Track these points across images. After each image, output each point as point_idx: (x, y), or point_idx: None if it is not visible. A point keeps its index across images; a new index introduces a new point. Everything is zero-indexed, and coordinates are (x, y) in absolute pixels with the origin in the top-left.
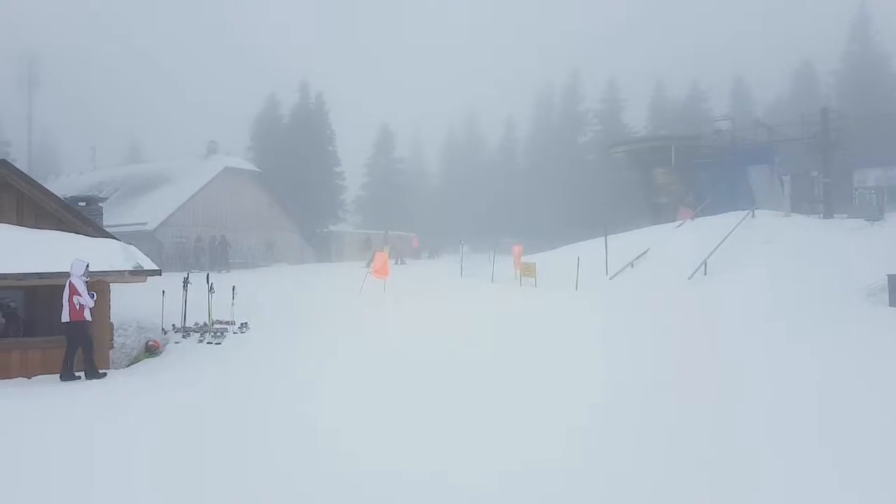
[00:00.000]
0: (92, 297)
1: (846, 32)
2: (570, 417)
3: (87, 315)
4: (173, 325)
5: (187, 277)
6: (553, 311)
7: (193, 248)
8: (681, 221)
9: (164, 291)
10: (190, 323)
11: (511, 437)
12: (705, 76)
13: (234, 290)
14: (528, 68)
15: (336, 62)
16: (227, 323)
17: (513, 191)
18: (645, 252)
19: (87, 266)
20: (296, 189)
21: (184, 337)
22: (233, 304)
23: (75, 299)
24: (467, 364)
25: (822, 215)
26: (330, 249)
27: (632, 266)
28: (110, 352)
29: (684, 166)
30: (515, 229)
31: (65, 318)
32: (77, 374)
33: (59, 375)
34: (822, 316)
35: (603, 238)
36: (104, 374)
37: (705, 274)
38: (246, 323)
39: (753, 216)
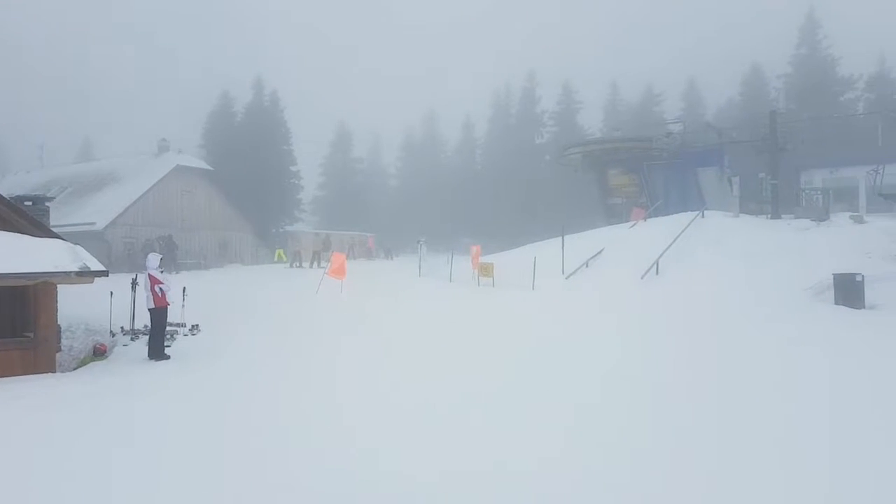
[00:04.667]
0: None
1: (795, 37)
2: (525, 412)
3: (170, 299)
4: (122, 328)
5: (135, 279)
6: (508, 310)
7: (143, 249)
8: (634, 222)
9: (112, 293)
10: (139, 325)
11: (453, 434)
12: (659, 79)
13: (184, 291)
14: (486, 70)
15: (292, 61)
16: (177, 325)
17: (471, 191)
18: (600, 252)
19: (162, 258)
20: (250, 188)
21: (132, 339)
22: (183, 306)
23: (157, 287)
24: (423, 362)
25: (769, 216)
26: (287, 250)
27: (587, 266)
28: (57, 355)
29: (638, 168)
30: (474, 230)
31: (150, 304)
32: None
33: (146, 355)
34: (770, 314)
35: (560, 238)
36: (169, 357)
37: (657, 273)
38: (197, 325)
39: (703, 217)
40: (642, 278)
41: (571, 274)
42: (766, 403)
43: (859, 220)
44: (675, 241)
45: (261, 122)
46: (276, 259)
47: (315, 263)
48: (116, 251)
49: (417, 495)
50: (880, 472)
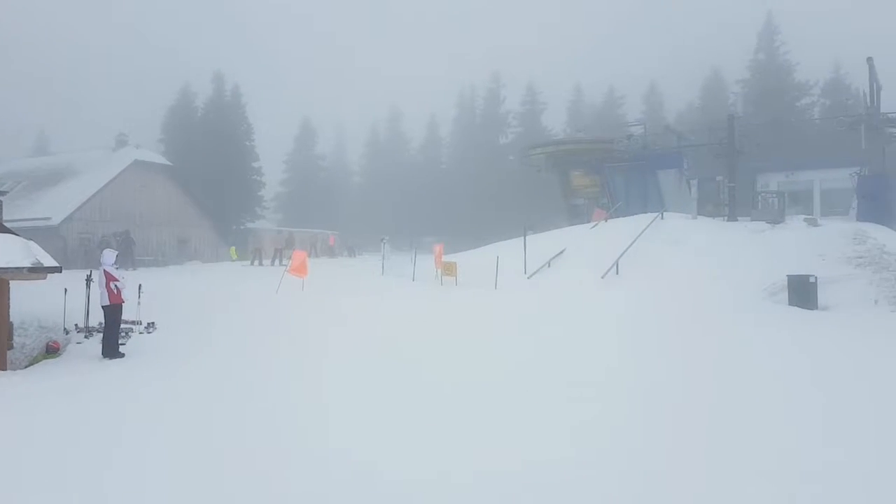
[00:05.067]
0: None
1: (753, 43)
2: (486, 413)
3: (125, 297)
4: (76, 325)
5: (90, 275)
6: (470, 309)
7: (100, 245)
8: (595, 222)
9: (66, 290)
10: (94, 322)
11: (421, 433)
12: (621, 82)
13: (140, 288)
14: (451, 70)
15: (254, 55)
16: (132, 323)
17: (436, 190)
18: (561, 252)
19: (118, 255)
20: (211, 184)
21: (86, 337)
22: (139, 303)
23: (112, 284)
24: (386, 361)
25: (726, 218)
26: (248, 247)
27: (549, 265)
28: (8, 352)
29: (599, 169)
30: (438, 228)
31: (104, 301)
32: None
33: (101, 353)
34: (727, 314)
35: (522, 238)
36: (123, 355)
37: (617, 273)
38: (153, 323)
39: (663, 218)
40: (603, 278)
41: (534, 273)
42: (718, 397)
43: (813, 223)
44: (634, 241)
45: (222, 117)
46: (231, 258)
47: (277, 261)
48: (72, 247)
49: (392, 494)
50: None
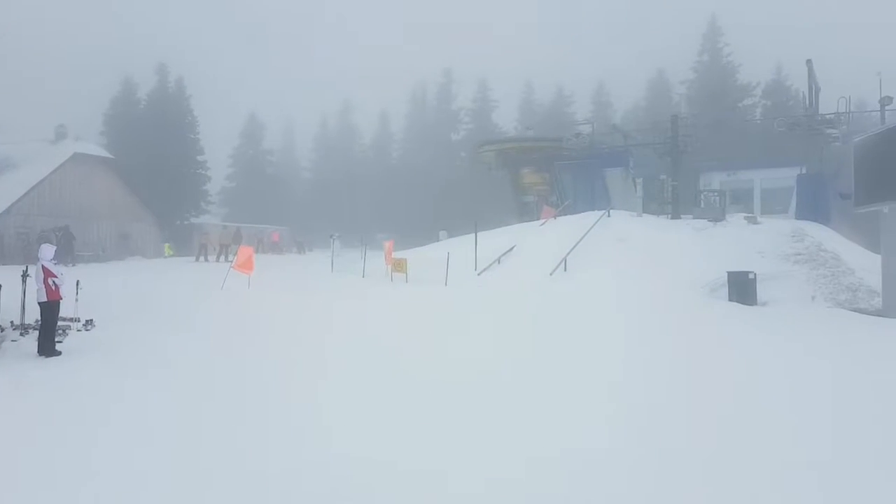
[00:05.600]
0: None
1: (698, 44)
2: (431, 410)
3: (63, 293)
4: (11, 322)
5: (26, 270)
6: (419, 306)
7: (38, 239)
8: (544, 220)
9: (0, 285)
10: (30, 320)
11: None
12: (570, 82)
13: (77, 284)
14: (402, 65)
15: (200, 47)
16: (70, 320)
17: (387, 186)
18: (511, 249)
19: (56, 250)
20: (154, 178)
21: (22, 335)
22: (77, 300)
23: (50, 280)
24: (329, 358)
25: (670, 216)
26: (192, 242)
27: (499, 262)
28: None
29: (549, 167)
30: (389, 225)
31: (41, 298)
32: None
33: (37, 351)
34: (670, 309)
35: (473, 234)
36: (60, 353)
37: (565, 270)
38: (91, 320)
39: (609, 216)
40: (551, 275)
41: (484, 270)
42: (649, 386)
43: (753, 221)
44: (582, 238)
45: (166, 109)
46: (165, 254)
47: (222, 257)
48: (9, 242)
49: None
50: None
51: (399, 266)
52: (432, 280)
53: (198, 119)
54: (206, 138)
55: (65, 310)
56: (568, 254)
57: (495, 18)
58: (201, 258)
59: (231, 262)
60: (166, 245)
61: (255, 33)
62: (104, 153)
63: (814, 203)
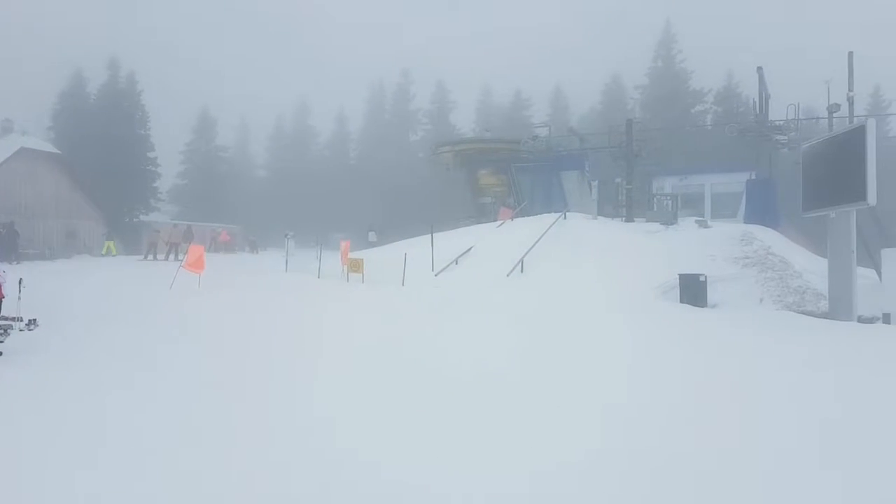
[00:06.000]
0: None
1: (652, 51)
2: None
3: (5, 291)
4: None
5: None
6: (375, 307)
7: None
8: (502, 221)
9: None
10: None
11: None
12: (527, 85)
13: (20, 282)
14: (359, 64)
15: (152, 41)
16: (11, 319)
17: (344, 185)
18: (469, 250)
19: None
20: (103, 174)
21: None
22: (19, 299)
23: None
24: (281, 358)
25: (624, 219)
26: (141, 240)
27: (456, 263)
28: None
29: (506, 169)
30: (346, 225)
31: None
32: None
33: None
34: (624, 310)
35: (430, 235)
36: (1, 353)
37: (522, 271)
38: (34, 320)
39: (566, 218)
40: (508, 276)
41: (441, 271)
42: (606, 385)
43: (704, 225)
44: (539, 240)
45: (116, 104)
46: (104, 252)
47: (172, 256)
48: None
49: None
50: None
51: (355, 266)
52: (389, 280)
53: (149, 115)
54: (157, 134)
55: (7, 308)
56: (525, 255)
57: (453, 22)
58: (150, 256)
59: (181, 260)
60: (109, 243)
61: (209, 29)
62: (51, 148)
63: (762, 207)
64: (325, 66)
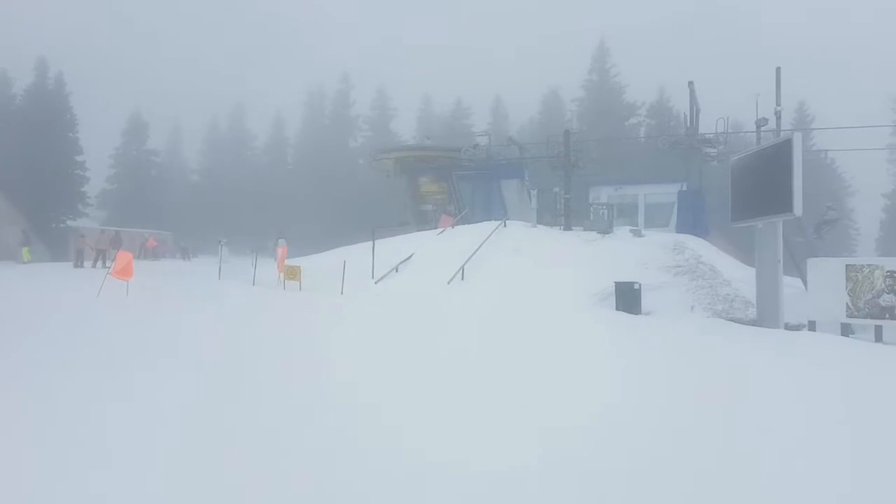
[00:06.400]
0: None
1: (588, 64)
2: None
3: None
4: None
5: None
6: (310, 314)
7: None
8: (442, 228)
9: None
10: None
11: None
12: (468, 94)
13: None
14: (299, 68)
15: (81, 42)
16: None
17: (281, 191)
18: (409, 257)
19: None
20: (27, 178)
21: None
22: None
23: None
24: (209, 373)
25: (562, 227)
26: (68, 247)
27: (396, 270)
28: None
29: (447, 176)
30: (283, 231)
31: None
32: None
33: None
34: (562, 316)
35: (371, 242)
36: None
37: (462, 279)
38: None
39: (506, 226)
40: (449, 283)
41: (381, 279)
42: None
43: (638, 234)
44: (479, 248)
45: (43, 106)
46: (23, 259)
47: (100, 262)
48: None
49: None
50: None
51: (292, 273)
52: (327, 288)
53: (77, 117)
54: (85, 137)
55: None
56: (466, 262)
57: (393, 31)
58: (77, 263)
59: (109, 267)
60: (25, 249)
61: (141, 30)
62: None
63: (693, 217)
64: (260, 68)
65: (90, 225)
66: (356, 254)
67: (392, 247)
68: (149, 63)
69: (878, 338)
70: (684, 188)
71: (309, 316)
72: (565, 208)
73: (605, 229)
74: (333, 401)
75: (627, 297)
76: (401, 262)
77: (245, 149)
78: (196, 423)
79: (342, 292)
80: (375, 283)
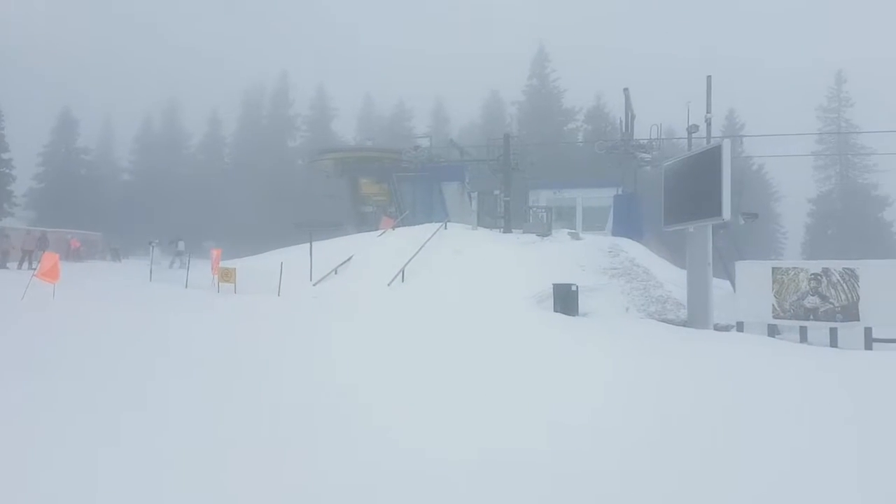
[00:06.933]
0: None
1: (528, 69)
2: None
3: None
4: None
5: None
6: (248, 317)
7: None
8: (383, 230)
9: None
10: None
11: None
12: (410, 97)
13: None
14: (234, 65)
15: (7, 36)
16: None
17: (217, 191)
18: (349, 259)
19: None
20: None
21: None
22: None
23: None
24: (141, 372)
25: (502, 230)
26: None
27: (335, 272)
28: None
29: (388, 178)
30: (219, 232)
31: None
32: None
33: None
34: (501, 318)
35: (308, 244)
36: None
37: (403, 280)
38: None
39: (446, 228)
40: (389, 285)
41: (320, 280)
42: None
43: (576, 237)
44: (420, 250)
45: None
46: None
47: (26, 264)
48: None
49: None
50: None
51: (227, 276)
52: (264, 290)
53: (3, 114)
54: (12, 134)
55: None
56: (406, 264)
57: (332, 33)
58: (3, 265)
59: (35, 269)
60: None
61: (72, 25)
62: None
63: (628, 221)
64: (195, 67)
65: (16, 225)
66: (294, 256)
67: (332, 249)
68: (80, 59)
69: (803, 338)
70: (620, 192)
71: (241, 319)
72: (505, 211)
73: (544, 232)
74: (261, 402)
75: (565, 299)
76: (340, 264)
77: (180, 148)
78: (117, 430)
79: (279, 294)
80: (314, 284)
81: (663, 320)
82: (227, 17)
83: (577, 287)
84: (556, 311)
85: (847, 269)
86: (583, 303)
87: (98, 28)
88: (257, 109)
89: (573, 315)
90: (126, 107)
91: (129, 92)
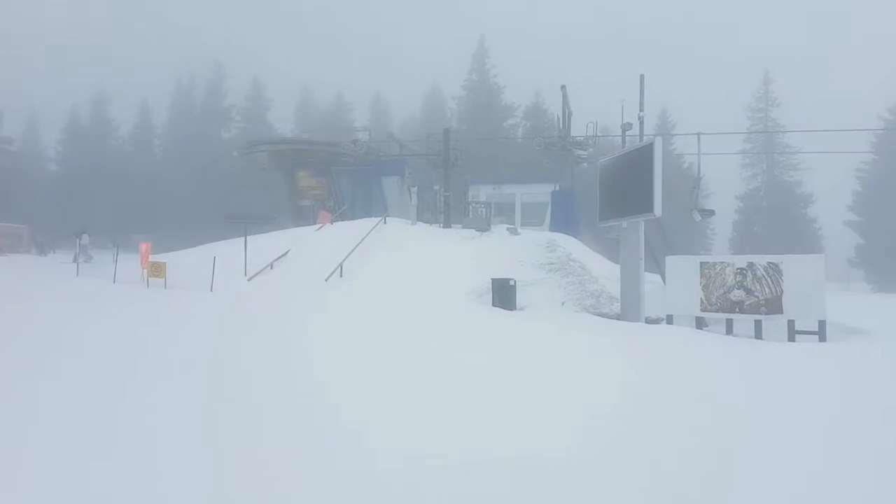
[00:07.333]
0: None
1: (468, 63)
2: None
3: None
4: None
5: None
6: (178, 313)
7: None
8: (321, 224)
9: None
10: None
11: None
12: (349, 89)
13: None
14: (164, 56)
15: None
16: None
17: (147, 182)
18: (285, 253)
19: None
20: None
21: None
22: None
23: None
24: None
25: (442, 225)
26: None
27: (271, 267)
28: None
29: (326, 171)
30: (149, 225)
31: None
32: None
33: None
34: (440, 313)
35: (243, 238)
36: None
37: (341, 276)
38: None
39: (386, 223)
40: (327, 280)
41: (255, 275)
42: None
43: (514, 232)
44: (358, 244)
45: None
46: None
47: None
48: None
49: None
50: None
51: (157, 270)
52: (196, 285)
53: None
54: None
55: None
56: (344, 259)
57: (271, 22)
58: None
59: None
60: None
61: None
62: None
63: (565, 217)
64: (123, 56)
65: None
66: (228, 250)
67: (268, 243)
68: (2, 46)
69: (729, 330)
70: (557, 188)
71: (171, 315)
72: (445, 206)
73: (484, 227)
74: (188, 399)
75: (503, 294)
76: (276, 259)
77: (108, 139)
78: (35, 431)
79: (212, 289)
80: (248, 280)
81: (598, 314)
82: (161, 3)
83: (515, 282)
84: (494, 305)
85: (771, 263)
86: (521, 297)
87: (20, 14)
88: (189, 99)
89: (511, 309)
90: (52, 97)
91: (54, 82)
